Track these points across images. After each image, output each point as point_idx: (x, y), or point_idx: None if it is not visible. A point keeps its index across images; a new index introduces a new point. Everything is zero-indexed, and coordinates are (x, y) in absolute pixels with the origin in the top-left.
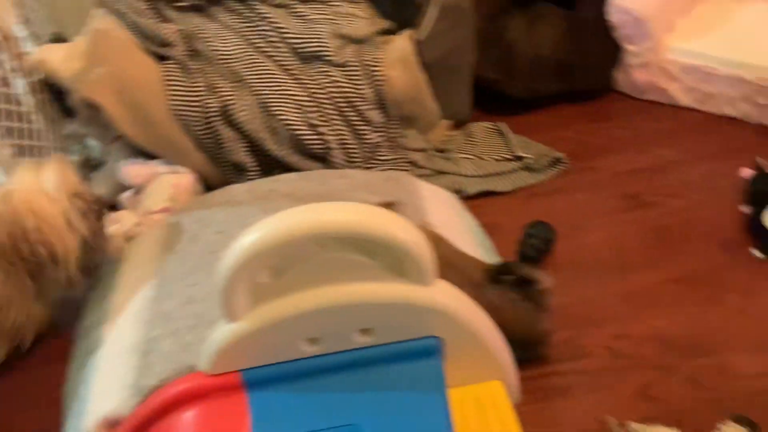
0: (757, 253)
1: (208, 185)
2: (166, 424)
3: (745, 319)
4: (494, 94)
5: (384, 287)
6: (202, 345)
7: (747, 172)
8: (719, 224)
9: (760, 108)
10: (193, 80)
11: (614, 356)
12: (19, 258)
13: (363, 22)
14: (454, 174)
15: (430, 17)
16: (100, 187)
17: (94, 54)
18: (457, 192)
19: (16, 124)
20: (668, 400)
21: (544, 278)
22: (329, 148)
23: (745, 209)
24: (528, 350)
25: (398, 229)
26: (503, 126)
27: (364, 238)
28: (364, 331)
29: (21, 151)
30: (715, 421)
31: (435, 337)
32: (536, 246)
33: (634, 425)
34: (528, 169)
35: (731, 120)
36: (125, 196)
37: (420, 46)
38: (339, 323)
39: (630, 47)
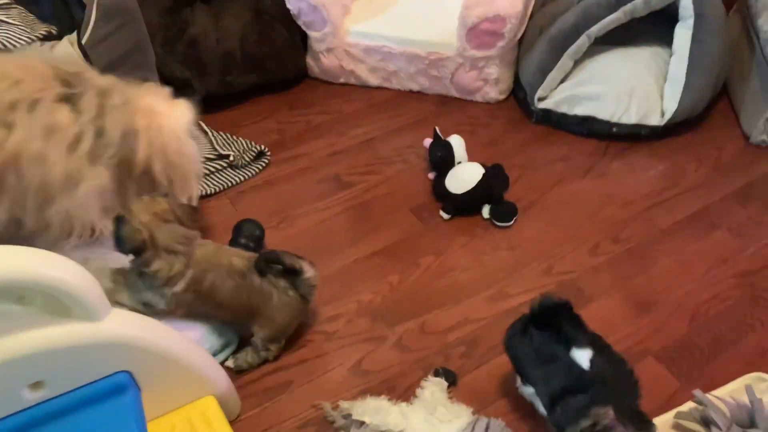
0: (444, 215)
1: None
2: None
3: (438, 278)
4: (187, 93)
5: (44, 333)
6: None
7: (428, 142)
8: (412, 193)
9: (434, 80)
10: None
11: (328, 339)
12: (141, 174)
13: (18, 29)
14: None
15: (90, 20)
16: None
17: None
18: None
19: None
20: (379, 370)
21: (309, 268)
22: None
23: (431, 176)
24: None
25: (49, 268)
26: (205, 125)
27: (8, 285)
28: (36, 385)
29: None
30: (420, 379)
31: (123, 371)
32: (246, 245)
33: (345, 404)
34: (232, 167)
35: (414, 94)
36: None
37: (86, 51)
38: (1, 384)
39: (313, 33)
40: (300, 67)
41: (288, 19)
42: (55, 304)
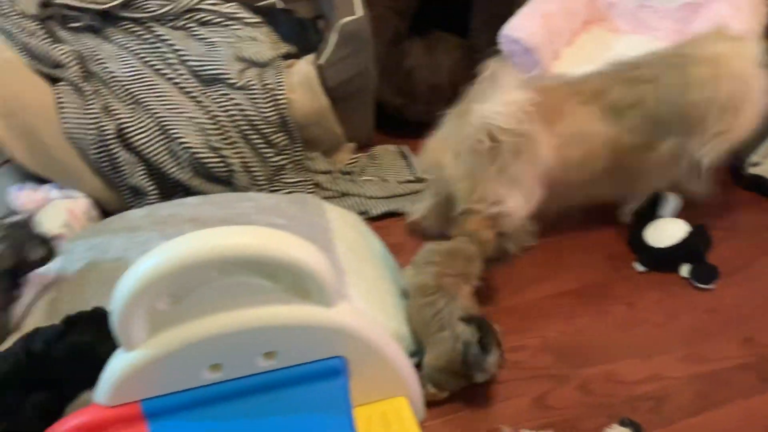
0: (639, 267)
1: (106, 211)
2: None
3: (628, 329)
4: (396, 118)
5: (286, 310)
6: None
7: None
8: (606, 239)
9: None
10: (87, 102)
11: (512, 368)
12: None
13: (264, 46)
14: (358, 196)
15: (330, 43)
16: None
17: None
18: (362, 213)
19: None
20: (561, 408)
21: (494, 358)
22: (232, 171)
23: (629, 224)
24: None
25: (299, 252)
26: (406, 149)
27: (264, 262)
28: (268, 355)
29: None
30: (603, 425)
31: (339, 357)
32: None
33: None
34: None
35: None
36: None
37: (322, 71)
38: (241, 348)
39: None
40: None
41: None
42: (299, 286)
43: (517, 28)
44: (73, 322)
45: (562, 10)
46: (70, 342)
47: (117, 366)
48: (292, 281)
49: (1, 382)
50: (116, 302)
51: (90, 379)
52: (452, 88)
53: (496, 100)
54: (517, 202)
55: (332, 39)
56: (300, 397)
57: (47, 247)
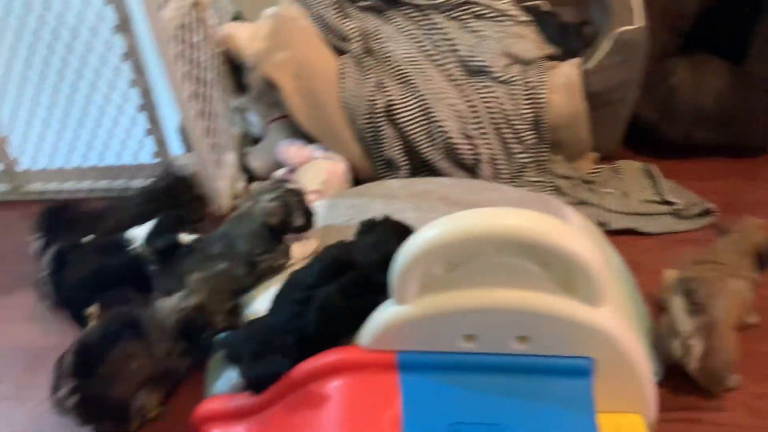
0: None
1: (357, 177)
2: (318, 387)
3: None
4: (648, 135)
5: (552, 300)
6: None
7: None
8: None
9: None
10: (365, 76)
11: (752, 415)
12: None
13: (531, 44)
14: (597, 206)
15: (602, 49)
16: (254, 161)
17: (279, 37)
18: (600, 225)
19: (201, 89)
20: None
21: None
22: (479, 161)
23: None
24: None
25: (578, 246)
26: (654, 168)
27: (542, 249)
28: (522, 339)
29: (201, 115)
30: None
31: (589, 358)
32: None
33: None
34: (676, 215)
35: None
36: (278, 173)
37: (586, 76)
38: (499, 326)
39: None
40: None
41: None
42: (569, 281)
43: None
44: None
45: None
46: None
47: (385, 315)
48: (563, 273)
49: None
50: (399, 259)
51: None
52: (718, 114)
53: None
54: None
55: (605, 45)
56: (544, 388)
57: (309, 219)
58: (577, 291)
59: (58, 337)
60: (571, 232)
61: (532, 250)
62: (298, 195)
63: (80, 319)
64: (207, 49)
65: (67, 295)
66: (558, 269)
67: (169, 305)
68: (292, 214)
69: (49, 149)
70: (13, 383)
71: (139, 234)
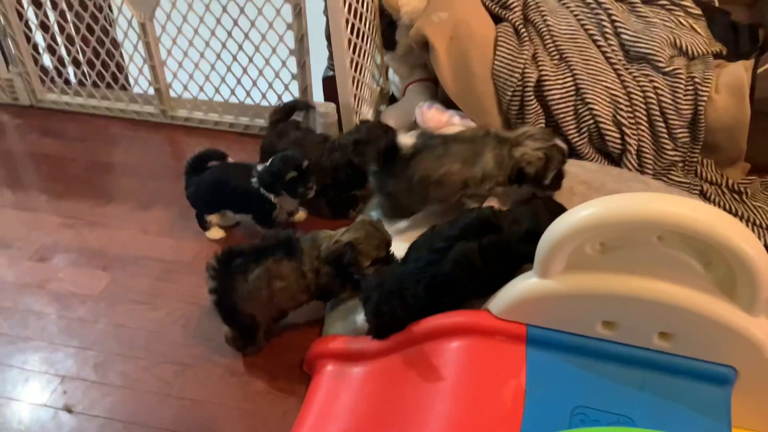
0: None
1: None
2: (441, 344)
3: None
4: None
5: (707, 300)
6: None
7: None
8: None
9: None
10: (521, 47)
11: None
12: None
13: (701, 39)
14: (744, 219)
15: None
16: (390, 120)
17: None
18: None
19: (355, 40)
20: None
21: None
22: (625, 151)
23: None
24: None
25: (749, 246)
26: None
27: (710, 242)
28: (664, 336)
29: (351, 65)
30: None
31: (732, 367)
32: None
33: None
34: None
35: None
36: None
37: (756, 80)
38: (644, 318)
39: None
40: None
41: None
42: (729, 283)
43: None
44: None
45: None
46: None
47: (522, 286)
48: (724, 274)
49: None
50: (550, 233)
51: None
52: None
53: None
54: None
55: None
56: (680, 389)
57: (559, 182)
58: (737, 295)
59: (187, 253)
60: (744, 231)
61: (696, 244)
62: (563, 155)
63: (202, 221)
64: (366, 1)
65: (194, 195)
66: (720, 269)
67: (328, 234)
68: (548, 171)
69: (201, 80)
70: (147, 290)
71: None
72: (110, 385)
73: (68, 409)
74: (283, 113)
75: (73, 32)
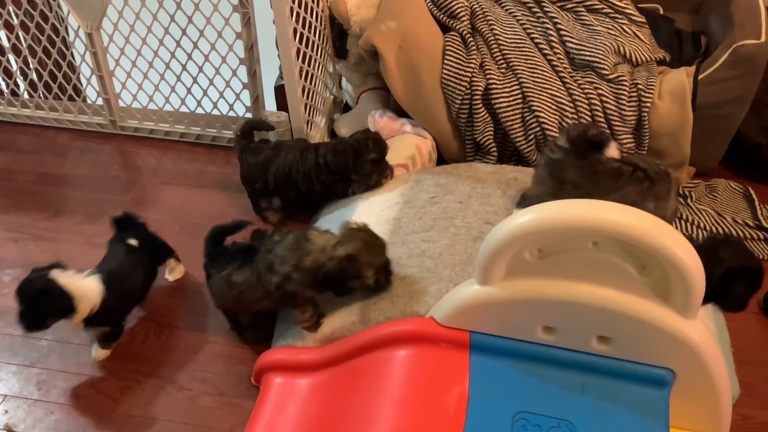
0: None
1: (441, 157)
2: (386, 353)
3: None
4: (751, 157)
5: (643, 304)
6: (427, 296)
7: None
8: None
9: None
10: (469, 56)
11: None
12: None
13: (645, 46)
14: (688, 222)
15: (716, 60)
16: (342, 127)
17: (388, 7)
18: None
19: (304, 49)
20: None
21: None
22: None
23: None
24: None
25: (682, 251)
26: (752, 191)
27: (644, 247)
28: (602, 340)
29: (300, 75)
30: None
31: (670, 370)
32: None
33: None
34: None
35: None
36: None
37: (698, 86)
38: (583, 322)
39: None
40: None
41: None
42: (664, 286)
43: None
44: None
45: None
46: None
47: (464, 294)
48: (659, 278)
49: None
50: (489, 240)
51: None
52: None
53: None
54: None
55: (721, 57)
56: (619, 392)
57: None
58: (672, 299)
59: None
60: (677, 236)
61: (630, 249)
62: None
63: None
64: (315, 11)
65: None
66: (654, 272)
67: (316, 244)
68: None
69: (150, 90)
70: None
71: None
72: (54, 404)
73: (9, 429)
74: (243, 137)
75: (18, 43)
